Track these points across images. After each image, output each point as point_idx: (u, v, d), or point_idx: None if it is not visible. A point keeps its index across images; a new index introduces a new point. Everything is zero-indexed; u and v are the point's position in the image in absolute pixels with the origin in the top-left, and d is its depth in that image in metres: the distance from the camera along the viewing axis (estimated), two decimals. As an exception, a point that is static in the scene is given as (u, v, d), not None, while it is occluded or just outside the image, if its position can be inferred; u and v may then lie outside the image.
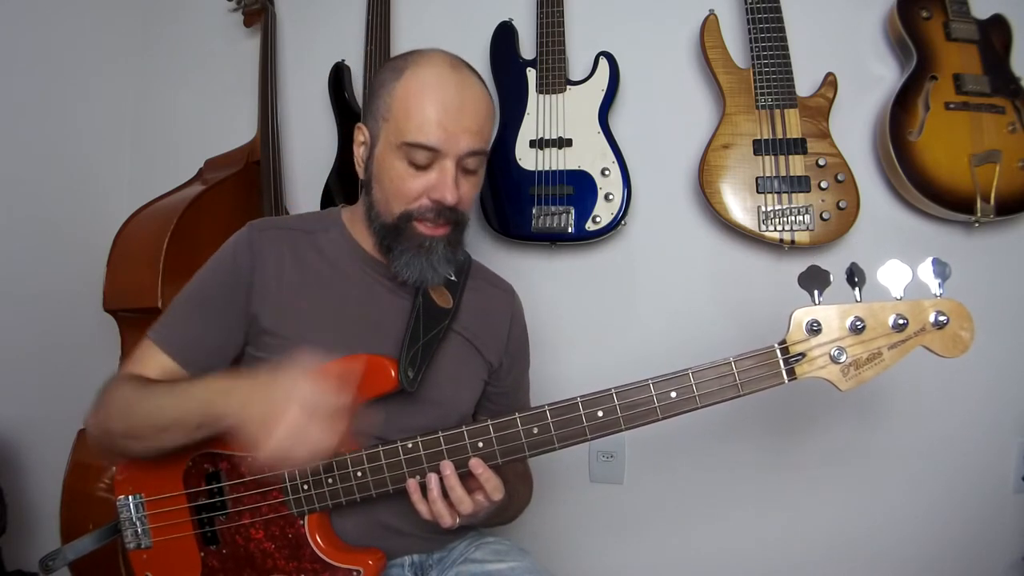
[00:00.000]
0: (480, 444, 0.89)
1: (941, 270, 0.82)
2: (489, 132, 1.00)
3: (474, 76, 1.01)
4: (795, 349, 0.84)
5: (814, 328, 0.83)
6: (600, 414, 0.86)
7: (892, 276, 0.82)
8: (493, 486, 0.89)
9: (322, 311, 1.01)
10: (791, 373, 0.84)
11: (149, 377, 0.98)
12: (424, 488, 0.89)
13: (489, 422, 0.89)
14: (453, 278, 1.09)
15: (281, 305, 1.01)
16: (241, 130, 1.71)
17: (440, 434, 0.90)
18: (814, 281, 0.84)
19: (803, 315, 0.84)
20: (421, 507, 0.89)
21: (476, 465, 0.88)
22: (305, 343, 0.95)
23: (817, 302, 0.84)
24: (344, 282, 1.04)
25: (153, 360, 1.00)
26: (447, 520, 0.88)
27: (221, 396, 0.88)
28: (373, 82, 1.04)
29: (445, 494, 0.89)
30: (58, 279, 1.66)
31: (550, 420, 0.87)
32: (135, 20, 1.90)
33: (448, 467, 0.88)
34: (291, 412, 0.80)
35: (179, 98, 1.88)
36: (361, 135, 1.03)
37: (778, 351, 0.84)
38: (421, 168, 0.95)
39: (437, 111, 0.94)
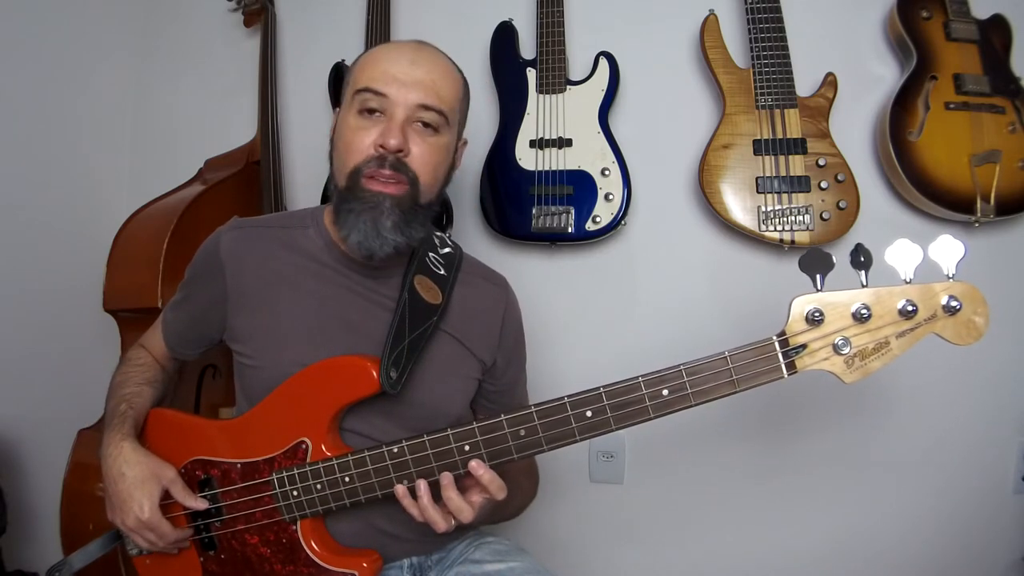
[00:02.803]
0: (467, 447, 0.86)
1: (954, 249, 0.75)
2: (449, 94, 0.96)
3: (443, 55, 1.00)
4: (795, 340, 0.78)
5: (815, 317, 0.78)
6: (589, 414, 0.82)
7: (901, 256, 0.76)
8: (497, 486, 0.86)
9: (298, 310, 0.99)
10: (791, 366, 0.79)
11: (143, 351, 1.15)
12: (413, 492, 0.87)
13: (475, 424, 0.86)
14: (442, 272, 1.06)
15: (256, 305, 1.00)
16: (241, 130, 1.71)
17: (426, 438, 0.87)
18: (816, 265, 0.77)
19: (804, 303, 0.78)
20: (413, 511, 0.87)
21: (477, 467, 0.85)
22: (281, 344, 0.98)
23: (819, 288, 0.78)
24: (321, 280, 1.01)
25: (155, 335, 1.15)
26: (441, 525, 0.86)
27: (104, 446, 0.98)
28: None
29: (439, 501, 0.87)
30: (58, 279, 1.65)
31: (537, 422, 0.84)
32: (135, 20, 1.90)
33: (446, 478, 0.86)
34: (128, 518, 0.93)
35: (179, 98, 1.88)
36: (333, 119, 1.02)
37: (776, 343, 0.79)
38: (372, 119, 0.94)
39: (390, 62, 0.95)
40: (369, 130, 0.93)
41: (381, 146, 0.92)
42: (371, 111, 0.94)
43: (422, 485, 0.86)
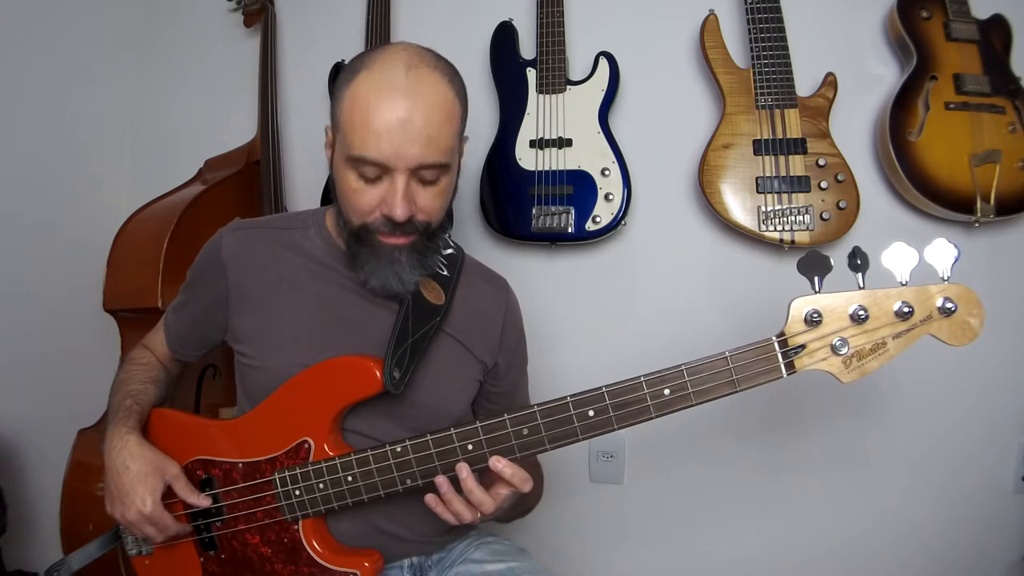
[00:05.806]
0: (469, 446, 0.86)
1: (949, 252, 0.76)
2: (447, 140, 0.90)
3: (435, 75, 0.89)
4: (794, 341, 0.80)
5: (814, 318, 0.79)
6: (591, 414, 0.83)
7: (897, 259, 0.77)
8: (521, 478, 0.86)
9: (300, 311, 0.99)
10: (790, 366, 0.80)
11: (146, 351, 1.15)
12: (434, 491, 0.88)
13: (478, 424, 0.86)
14: (445, 272, 1.06)
15: (258, 306, 1.00)
16: (241, 130, 1.71)
17: (428, 437, 0.87)
18: (814, 267, 0.79)
19: (802, 304, 0.80)
20: (438, 509, 0.88)
21: (496, 461, 0.85)
22: (283, 345, 0.98)
23: (817, 290, 0.80)
24: (322, 282, 1.01)
25: (158, 336, 1.15)
26: (467, 516, 0.86)
27: (108, 439, 0.98)
28: (337, 80, 0.96)
29: (461, 494, 0.87)
30: (58, 279, 1.65)
31: (540, 421, 0.84)
32: (135, 20, 1.90)
33: (464, 470, 0.86)
34: (129, 512, 0.92)
35: (179, 98, 1.88)
36: (327, 136, 1.00)
37: (776, 343, 0.80)
38: (372, 181, 0.90)
39: (381, 123, 0.86)
40: (370, 192, 0.91)
41: (387, 216, 0.90)
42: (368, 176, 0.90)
43: (444, 482, 0.86)
